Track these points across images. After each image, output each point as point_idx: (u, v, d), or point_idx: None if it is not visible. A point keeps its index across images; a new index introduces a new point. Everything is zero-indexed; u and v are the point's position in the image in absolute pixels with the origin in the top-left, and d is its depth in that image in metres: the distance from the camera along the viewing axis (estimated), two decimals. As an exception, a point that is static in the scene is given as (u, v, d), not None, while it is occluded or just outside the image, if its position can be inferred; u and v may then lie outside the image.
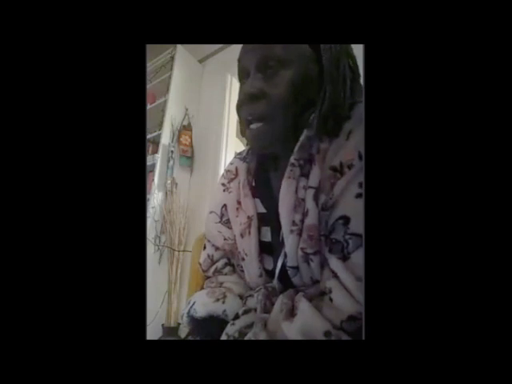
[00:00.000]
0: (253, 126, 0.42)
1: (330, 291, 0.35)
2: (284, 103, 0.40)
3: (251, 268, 0.46)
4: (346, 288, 0.33)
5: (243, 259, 0.47)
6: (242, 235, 0.47)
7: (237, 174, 0.54)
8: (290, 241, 0.39)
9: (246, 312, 0.41)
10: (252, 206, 0.47)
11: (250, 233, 0.46)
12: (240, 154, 0.58)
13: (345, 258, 0.35)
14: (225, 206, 0.53)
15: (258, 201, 0.48)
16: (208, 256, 0.54)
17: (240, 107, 0.43)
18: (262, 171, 0.51)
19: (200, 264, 0.55)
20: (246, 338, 0.36)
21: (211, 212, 0.55)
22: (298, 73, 0.40)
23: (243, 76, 0.45)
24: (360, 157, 0.36)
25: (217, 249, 0.54)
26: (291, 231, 0.39)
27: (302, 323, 0.33)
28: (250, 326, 0.39)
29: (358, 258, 0.34)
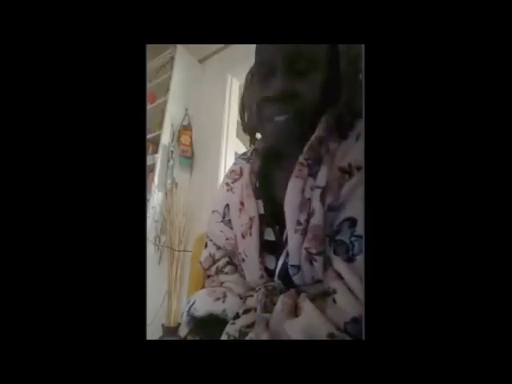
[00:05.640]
0: (278, 118, 0.41)
1: (335, 292, 0.34)
2: (315, 105, 0.40)
3: (252, 269, 0.46)
4: (350, 290, 0.33)
5: (243, 260, 0.47)
6: (243, 236, 0.47)
7: (241, 175, 0.54)
8: (293, 239, 0.39)
9: (246, 311, 0.41)
10: (254, 207, 0.47)
11: (251, 234, 0.46)
12: (244, 154, 0.58)
13: (350, 259, 0.35)
14: (227, 205, 0.53)
15: (260, 202, 0.48)
16: (209, 255, 0.54)
17: (264, 103, 0.43)
18: (266, 172, 0.50)
19: (201, 262, 0.55)
20: (248, 338, 0.36)
21: (214, 211, 0.55)
22: (326, 75, 0.41)
23: (265, 72, 0.43)
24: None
25: (218, 248, 0.54)
26: (296, 230, 0.39)
27: (306, 324, 0.33)
28: (251, 325, 0.38)
29: (363, 260, 0.33)
